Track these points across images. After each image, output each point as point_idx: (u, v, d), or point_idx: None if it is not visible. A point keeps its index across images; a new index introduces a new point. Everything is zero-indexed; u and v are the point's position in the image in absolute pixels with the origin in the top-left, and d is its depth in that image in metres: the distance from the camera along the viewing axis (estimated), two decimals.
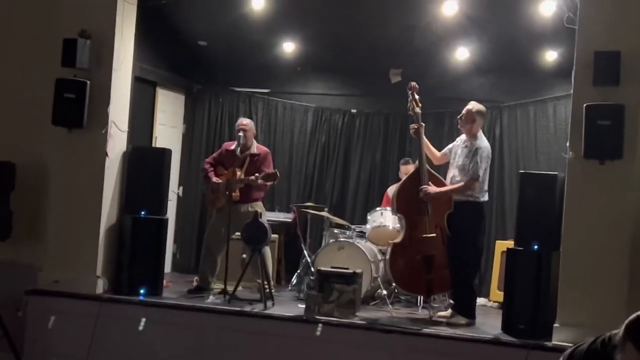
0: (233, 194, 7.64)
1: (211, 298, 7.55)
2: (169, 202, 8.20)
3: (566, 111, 8.70)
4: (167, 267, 9.01)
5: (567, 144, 6.38)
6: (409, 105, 7.33)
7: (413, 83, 7.36)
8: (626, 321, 2.50)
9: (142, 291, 7.29)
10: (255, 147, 7.96)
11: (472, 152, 6.97)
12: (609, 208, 6.16)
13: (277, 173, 7.60)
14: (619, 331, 2.51)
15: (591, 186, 6.23)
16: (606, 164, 6.09)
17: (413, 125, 7.30)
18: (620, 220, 6.15)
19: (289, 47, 9.75)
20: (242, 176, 7.69)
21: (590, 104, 6.07)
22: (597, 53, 6.04)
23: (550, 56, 8.95)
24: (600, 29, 6.17)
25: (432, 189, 7.10)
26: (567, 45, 7.43)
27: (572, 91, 6.43)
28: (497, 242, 8.80)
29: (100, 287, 7.23)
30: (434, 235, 7.08)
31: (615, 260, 6.14)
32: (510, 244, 7.55)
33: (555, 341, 6.15)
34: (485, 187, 7.07)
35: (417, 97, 7.32)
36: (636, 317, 2.46)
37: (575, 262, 6.26)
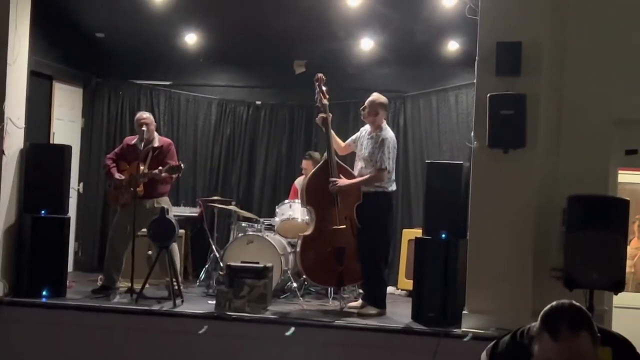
0: (137, 189, 7.46)
1: (117, 297, 7.38)
2: (70, 200, 7.95)
3: (468, 100, 8.89)
4: (70, 267, 8.73)
5: (472, 133, 6.47)
6: (316, 96, 7.33)
7: (320, 74, 7.36)
8: (542, 312, 2.55)
9: (44, 293, 7.08)
10: (158, 140, 7.79)
11: (379, 144, 7.01)
12: (513, 196, 6.28)
13: (182, 165, 7.47)
14: (536, 322, 2.56)
15: (495, 175, 6.34)
16: (510, 153, 6.20)
17: (322, 115, 7.28)
18: (524, 208, 6.29)
19: (190, 39, 9.57)
20: (146, 170, 7.52)
21: (493, 93, 6.16)
22: (498, 44, 6.13)
23: (452, 46, 9.09)
24: (502, 20, 6.28)
25: (342, 181, 7.11)
26: (468, 35, 7.53)
27: (475, 81, 6.51)
28: (404, 230, 8.88)
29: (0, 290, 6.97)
30: (344, 227, 7.10)
31: (520, 248, 6.27)
32: (417, 232, 7.64)
33: (465, 328, 6.25)
34: (393, 177, 7.13)
35: (324, 88, 7.32)
36: (550, 308, 2.51)
37: (482, 250, 6.37)
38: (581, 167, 6.27)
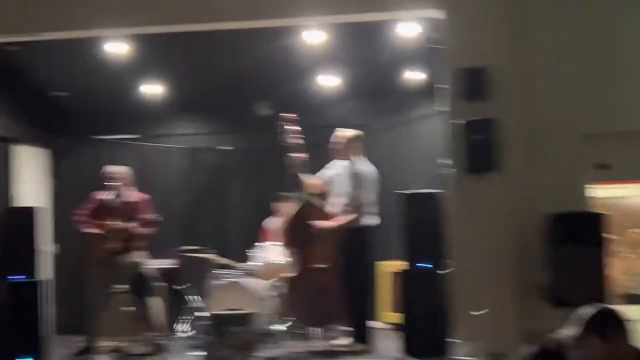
0: (112, 245, 7.36)
1: (104, 358, 7.22)
2: (46, 262, 7.80)
3: (434, 129, 8.94)
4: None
5: (443, 160, 6.50)
6: (286, 137, 7.30)
7: (288, 115, 7.34)
8: (580, 317, 2.63)
9: None
10: (132, 195, 7.71)
11: (355, 178, 7.00)
12: (491, 220, 6.33)
13: (156, 218, 7.40)
14: (567, 334, 2.63)
15: (471, 200, 6.39)
16: (484, 177, 6.24)
17: (294, 156, 7.24)
18: (503, 231, 6.33)
19: (154, 90, 9.55)
20: (120, 225, 7.43)
21: (462, 120, 6.21)
22: (464, 70, 6.21)
23: (415, 76, 9.15)
24: (466, 46, 6.37)
25: (323, 224, 7.06)
26: (430, 64, 7.61)
27: (439, 109, 6.57)
28: (384, 263, 8.84)
29: None
30: (327, 265, 7.05)
31: (502, 270, 6.30)
32: (394, 264, 7.62)
33: (455, 357, 6.21)
34: (374, 210, 7.12)
35: (294, 128, 7.29)
36: (592, 314, 2.61)
37: (465, 277, 6.37)
38: (555, 184, 6.33)
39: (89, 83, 9.06)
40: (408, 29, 7.69)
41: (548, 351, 2.79)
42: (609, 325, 2.65)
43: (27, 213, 7.42)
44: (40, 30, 7.05)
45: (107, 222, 7.45)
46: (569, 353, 2.67)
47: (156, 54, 8.56)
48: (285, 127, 7.30)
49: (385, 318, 8.58)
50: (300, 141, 7.29)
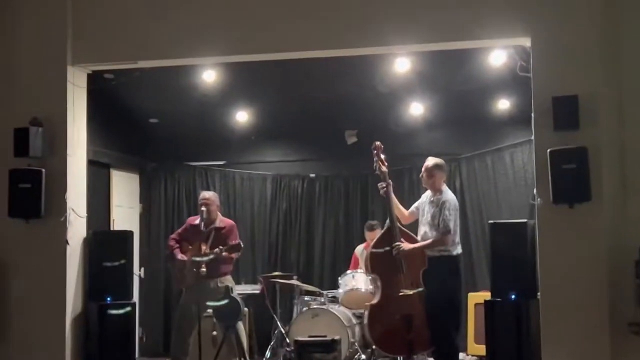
0: (200, 269, 7.45)
1: None
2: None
3: (523, 158, 8.84)
4: (135, 353, 8.72)
5: (534, 190, 6.39)
6: (374, 165, 7.32)
7: (378, 143, 7.37)
8: None
9: None
10: (220, 220, 7.81)
11: (440, 207, 6.96)
12: (583, 251, 6.16)
13: (241, 244, 7.46)
14: None
15: (562, 231, 6.23)
16: (575, 207, 6.10)
17: (381, 184, 7.26)
18: (595, 262, 6.15)
19: (242, 117, 9.72)
20: (208, 250, 7.52)
21: (554, 149, 6.10)
22: (554, 98, 6.10)
23: (503, 104, 9.07)
24: (556, 75, 6.25)
25: (406, 245, 7.05)
26: (519, 92, 7.52)
27: (530, 138, 6.47)
28: (469, 294, 8.73)
29: None
30: (411, 293, 6.99)
31: (594, 303, 6.11)
32: (482, 295, 7.51)
33: None
34: (457, 240, 7.05)
35: (382, 156, 7.31)
36: None
37: (555, 309, 6.22)
38: None
39: (179, 110, 9.27)
40: (497, 56, 7.62)
41: None
42: None
43: (121, 237, 7.64)
44: (134, 59, 7.27)
45: (196, 247, 7.55)
46: None
47: (245, 81, 8.71)
48: (375, 154, 7.30)
49: (471, 350, 8.44)
50: (385, 169, 7.28)
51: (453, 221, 6.98)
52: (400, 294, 6.99)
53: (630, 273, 6.01)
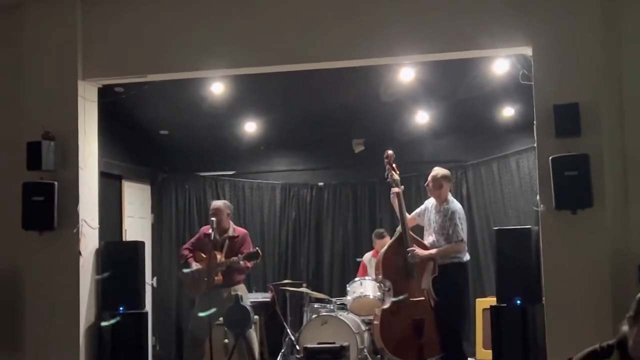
0: (215, 278, 7.55)
1: None
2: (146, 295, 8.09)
3: (529, 164, 8.91)
4: None
5: (537, 197, 6.47)
6: (386, 173, 7.39)
7: (390, 152, 7.44)
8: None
9: None
10: (233, 229, 7.90)
11: (449, 217, 7.08)
12: (586, 256, 6.22)
13: (259, 251, 7.54)
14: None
15: (566, 237, 6.29)
16: (578, 213, 6.17)
17: (394, 190, 7.33)
18: (599, 268, 6.20)
19: (250, 127, 9.85)
20: (223, 259, 7.61)
21: (556, 156, 6.17)
22: (556, 106, 6.17)
23: (508, 112, 9.16)
24: (557, 83, 6.33)
25: (421, 251, 7.13)
26: (523, 100, 7.61)
27: (535, 145, 6.55)
28: (477, 299, 8.82)
29: None
30: (423, 298, 7.09)
31: (599, 308, 6.15)
32: (489, 301, 7.58)
33: None
34: (466, 247, 7.15)
35: (394, 165, 7.39)
36: None
37: (560, 314, 6.28)
38: None
39: (188, 121, 9.40)
40: (500, 65, 7.73)
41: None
42: None
43: (133, 247, 7.75)
44: (144, 73, 7.40)
45: (210, 255, 7.61)
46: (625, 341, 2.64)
47: (253, 92, 8.83)
48: (387, 163, 7.37)
49: (479, 355, 8.52)
50: (397, 177, 7.36)
51: (464, 230, 7.09)
52: (412, 299, 7.08)
53: (633, 277, 6.07)
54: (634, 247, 6.08)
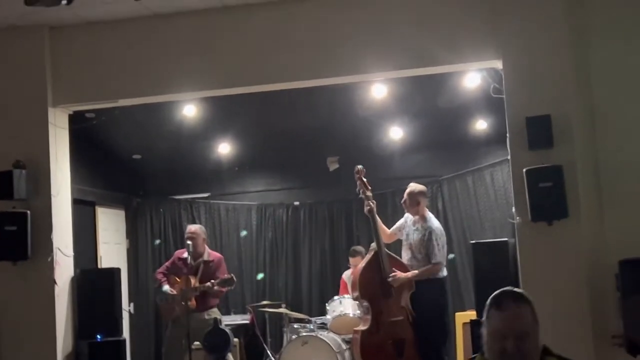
0: (189, 302, 7.50)
1: None
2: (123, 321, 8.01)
3: (503, 177, 8.94)
4: None
5: (513, 209, 6.48)
6: (358, 189, 7.38)
7: (360, 167, 7.40)
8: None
9: None
10: (208, 254, 7.87)
11: (427, 238, 7.06)
12: (564, 266, 6.23)
13: (234, 277, 7.52)
14: None
15: (542, 248, 6.31)
16: (554, 224, 6.19)
17: (367, 206, 7.30)
18: (577, 277, 6.22)
19: (224, 149, 9.81)
20: (197, 284, 7.57)
21: (530, 168, 6.19)
22: (528, 119, 6.20)
23: (481, 125, 9.20)
24: (528, 95, 6.36)
25: (402, 274, 7.10)
26: (495, 113, 7.64)
27: (509, 157, 6.57)
28: (457, 314, 8.80)
29: None
30: (401, 317, 7.06)
31: (577, 318, 6.17)
32: (469, 315, 7.57)
33: None
34: (444, 265, 7.15)
35: (364, 180, 7.37)
36: (496, 291, 2.86)
37: (539, 325, 6.27)
38: (627, 229, 6.23)
39: (161, 145, 9.36)
40: (472, 79, 7.76)
41: None
42: (508, 297, 2.81)
43: (109, 274, 7.68)
44: (114, 98, 7.35)
45: (184, 280, 7.60)
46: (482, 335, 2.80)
47: (225, 114, 8.81)
48: (358, 178, 7.35)
49: None
50: (369, 193, 7.34)
51: (442, 249, 7.09)
52: (391, 319, 7.04)
53: (611, 286, 6.10)
54: (611, 256, 6.09)
